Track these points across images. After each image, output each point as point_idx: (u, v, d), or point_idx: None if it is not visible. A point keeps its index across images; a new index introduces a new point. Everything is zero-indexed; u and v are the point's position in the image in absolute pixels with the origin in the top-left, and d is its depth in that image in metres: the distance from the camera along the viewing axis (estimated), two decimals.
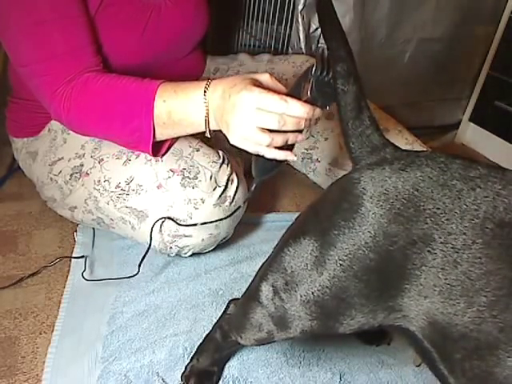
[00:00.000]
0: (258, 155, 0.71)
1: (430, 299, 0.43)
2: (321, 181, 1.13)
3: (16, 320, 0.81)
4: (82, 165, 0.88)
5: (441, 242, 0.42)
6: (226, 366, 0.75)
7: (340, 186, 0.52)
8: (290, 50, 1.32)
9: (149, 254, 0.95)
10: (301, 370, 0.76)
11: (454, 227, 0.42)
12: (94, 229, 1.00)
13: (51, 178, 0.92)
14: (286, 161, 0.72)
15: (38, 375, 0.72)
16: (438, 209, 0.43)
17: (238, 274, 0.93)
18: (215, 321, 0.73)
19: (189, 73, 1.08)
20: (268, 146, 0.68)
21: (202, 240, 0.86)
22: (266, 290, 0.55)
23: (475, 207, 0.42)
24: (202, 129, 0.74)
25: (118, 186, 0.85)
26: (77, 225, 1.01)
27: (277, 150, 0.69)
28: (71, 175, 0.89)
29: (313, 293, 0.50)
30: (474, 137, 1.60)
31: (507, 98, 1.42)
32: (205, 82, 0.72)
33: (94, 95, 0.77)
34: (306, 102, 0.64)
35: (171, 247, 0.87)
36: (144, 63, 0.91)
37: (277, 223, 1.09)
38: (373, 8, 1.29)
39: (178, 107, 0.73)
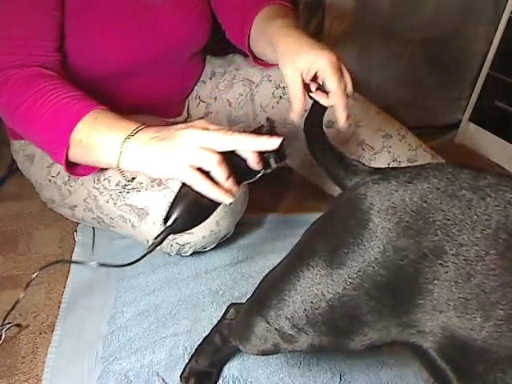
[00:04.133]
0: (183, 199, 0.59)
1: (445, 314, 0.42)
2: (322, 183, 1.12)
3: (16, 320, 0.81)
4: None
5: (452, 254, 0.41)
6: (226, 366, 0.75)
7: (346, 203, 0.50)
8: None
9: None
10: (301, 370, 0.76)
11: (465, 238, 0.41)
12: (94, 229, 1.00)
13: (49, 180, 0.92)
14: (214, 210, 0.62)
15: (37, 375, 0.73)
16: (448, 220, 0.42)
17: (239, 274, 0.93)
18: (215, 321, 0.72)
19: (188, 77, 1.08)
20: (215, 167, 0.57)
21: (203, 237, 0.86)
22: (271, 309, 0.53)
23: (487, 217, 0.41)
24: (113, 161, 0.65)
25: (118, 184, 0.84)
26: (77, 225, 1.01)
27: (216, 186, 0.58)
28: (70, 176, 0.88)
29: (320, 313, 0.49)
30: (474, 137, 1.59)
31: (507, 98, 1.42)
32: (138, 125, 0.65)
33: (31, 90, 0.71)
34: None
35: (172, 245, 0.87)
36: (138, 65, 0.90)
37: (277, 223, 1.09)
38: (373, 8, 1.29)
39: (102, 129, 0.67)
